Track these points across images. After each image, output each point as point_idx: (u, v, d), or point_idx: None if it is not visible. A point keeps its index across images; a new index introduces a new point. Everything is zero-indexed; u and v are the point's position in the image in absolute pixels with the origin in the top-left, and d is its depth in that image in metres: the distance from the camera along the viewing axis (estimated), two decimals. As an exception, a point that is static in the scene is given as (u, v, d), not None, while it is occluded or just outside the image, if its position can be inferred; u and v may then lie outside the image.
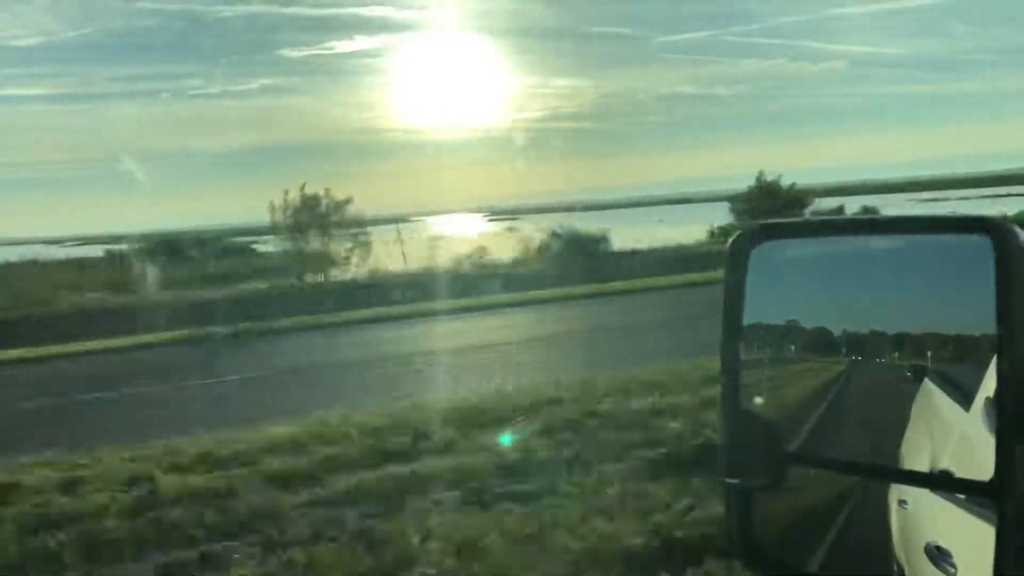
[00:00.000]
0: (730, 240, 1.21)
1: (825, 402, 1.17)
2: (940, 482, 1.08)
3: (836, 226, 1.21)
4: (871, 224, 1.16)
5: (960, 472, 1.05)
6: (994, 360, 0.93)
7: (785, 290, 1.23)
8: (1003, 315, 0.92)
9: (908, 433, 1.09)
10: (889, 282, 1.13)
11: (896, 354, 1.07)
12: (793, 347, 1.18)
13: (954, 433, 1.08)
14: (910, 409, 1.09)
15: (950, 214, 1.08)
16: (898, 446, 1.09)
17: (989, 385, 0.97)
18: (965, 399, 1.05)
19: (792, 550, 1.22)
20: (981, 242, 0.95)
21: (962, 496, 1.02)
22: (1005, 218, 0.99)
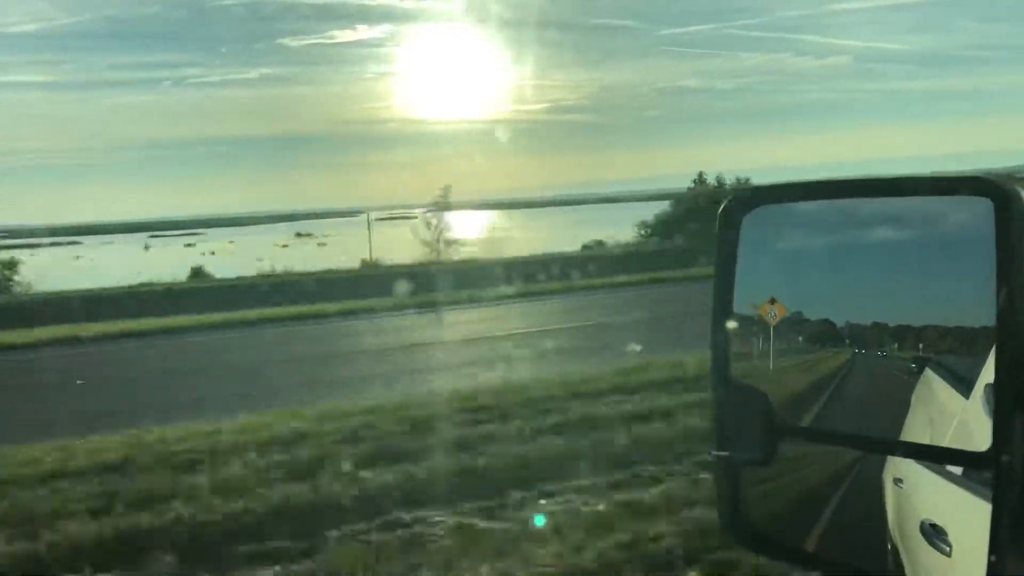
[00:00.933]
0: (721, 206, 1.18)
1: (822, 389, 1.14)
2: (937, 453, 1.05)
3: (830, 188, 1.17)
4: (865, 185, 1.12)
5: None
6: (995, 347, 0.90)
7: (777, 257, 1.20)
8: (1003, 282, 0.89)
9: (907, 421, 1.07)
10: (884, 251, 1.10)
11: (895, 344, 1.05)
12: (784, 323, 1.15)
13: (953, 420, 1.06)
14: (910, 398, 1.06)
15: (950, 174, 1.04)
16: (897, 431, 1.07)
17: (989, 372, 0.94)
18: (965, 386, 1.02)
19: (784, 528, 1.20)
20: (982, 204, 0.92)
21: (958, 473, 1.00)
22: (1011, 178, 0.95)
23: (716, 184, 34.21)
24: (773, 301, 1.15)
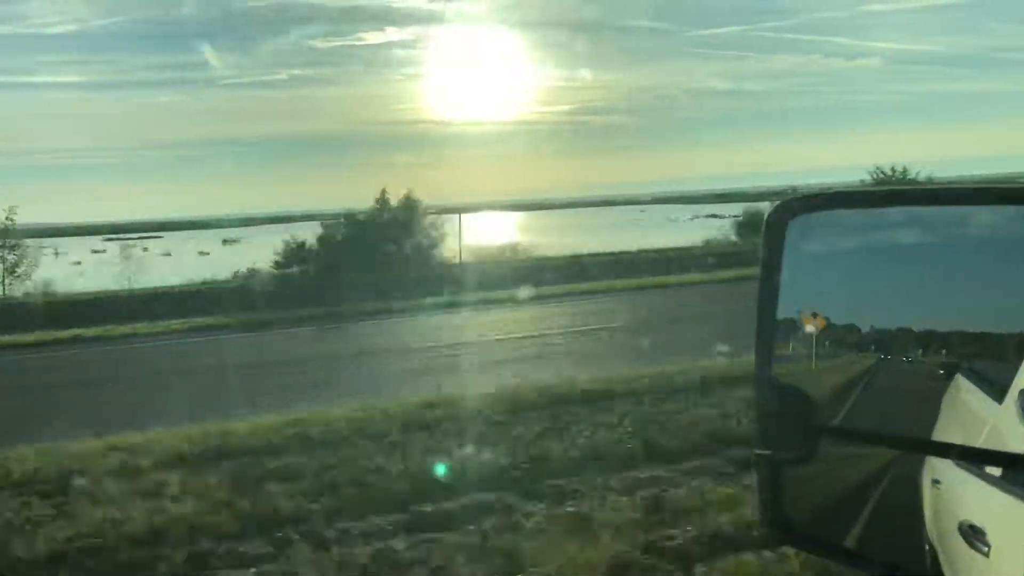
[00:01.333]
0: (767, 212, 1.20)
1: (855, 391, 1.16)
2: (977, 453, 1.07)
3: (883, 197, 1.17)
4: (922, 195, 1.12)
5: None
6: None
7: (818, 263, 1.22)
8: None
9: (938, 426, 1.09)
10: (938, 262, 1.10)
11: (928, 350, 1.06)
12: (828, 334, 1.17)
13: (986, 424, 1.07)
14: (940, 404, 1.08)
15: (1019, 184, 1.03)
16: (929, 434, 1.09)
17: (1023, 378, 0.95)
18: (998, 391, 1.03)
19: (824, 526, 1.21)
20: (1018, 210, 0.93)
21: (997, 475, 1.01)
22: None
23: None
24: (815, 315, 1.17)
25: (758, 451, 1.18)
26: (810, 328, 1.17)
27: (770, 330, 1.20)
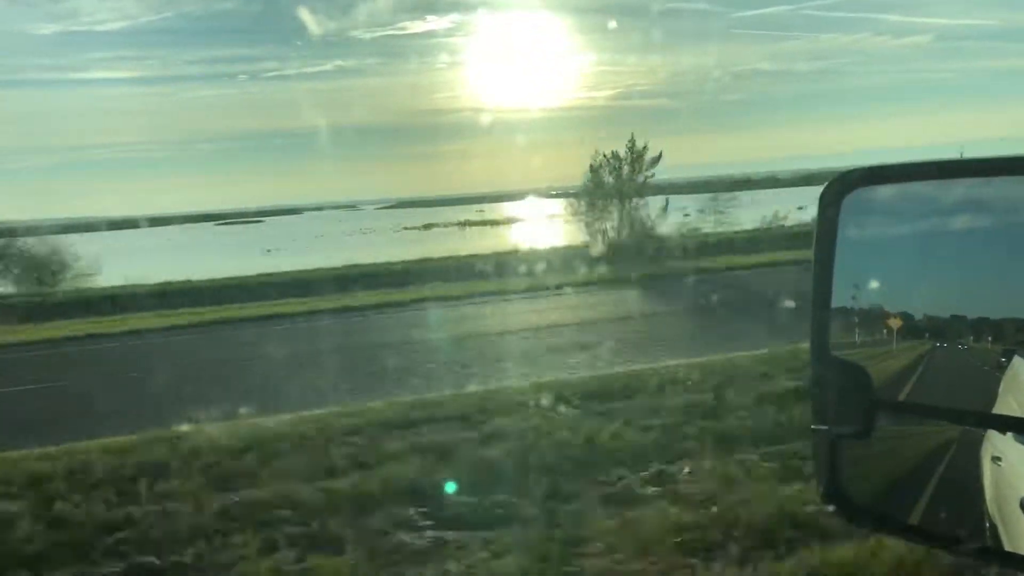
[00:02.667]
0: (824, 186, 1.20)
1: (913, 371, 1.16)
2: None
3: (947, 168, 1.14)
4: (990, 166, 1.09)
5: None
6: None
7: (870, 240, 1.21)
8: None
9: (997, 405, 1.08)
10: (994, 246, 1.09)
11: (984, 335, 1.05)
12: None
13: None
14: (998, 386, 1.07)
15: None
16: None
17: None
18: None
19: (886, 502, 1.21)
20: None
21: None
22: None
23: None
24: (895, 316, 1.16)
25: (815, 426, 1.18)
26: (893, 323, 1.16)
27: (826, 306, 1.20)
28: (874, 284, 1.19)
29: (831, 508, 1.23)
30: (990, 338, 1.05)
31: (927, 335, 1.12)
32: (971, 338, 1.07)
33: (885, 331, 1.15)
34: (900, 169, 1.19)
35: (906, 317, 1.14)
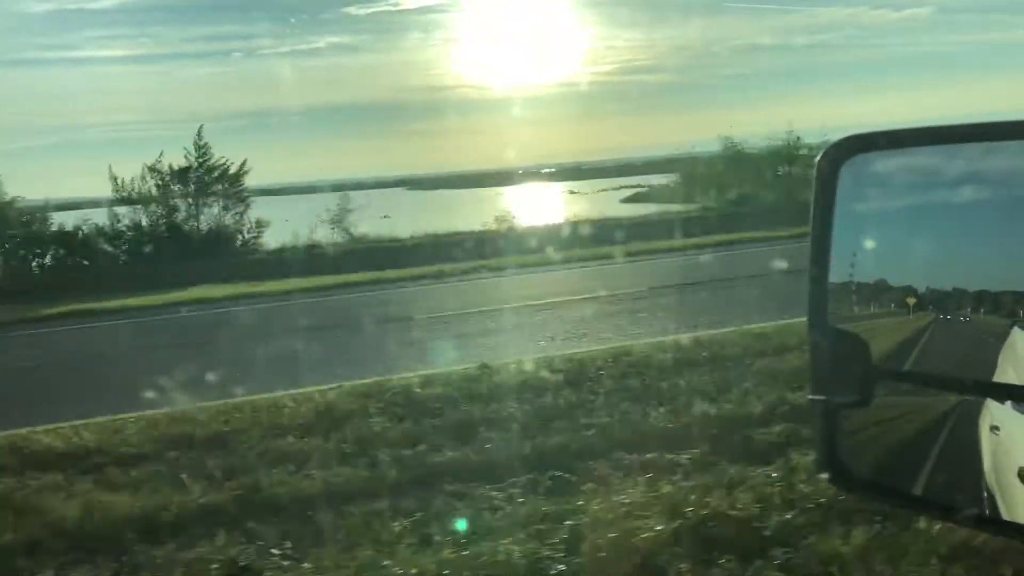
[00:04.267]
0: (820, 152, 1.19)
1: (912, 342, 1.15)
2: None
3: (951, 133, 1.13)
4: (1000, 129, 1.07)
5: None
6: None
7: (868, 209, 1.20)
8: None
9: (995, 375, 1.07)
10: (997, 218, 1.07)
11: (984, 307, 1.04)
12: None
13: None
14: (997, 357, 1.06)
15: None
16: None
17: None
18: None
19: (885, 473, 1.21)
20: None
21: None
22: None
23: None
24: (912, 297, 1.15)
25: (813, 396, 1.18)
26: (910, 301, 1.15)
27: (823, 276, 1.19)
28: (873, 254, 1.19)
29: (830, 479, 1.23)
30: (990, 310, 1.04)
31: (929, 307, 1.11)
32: (971, 310, 1.06)
33: (893, 305, 1.14)
34: (899, 135, 1.18)
35: (907, 289, 1.13)
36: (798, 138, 31.27)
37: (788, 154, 31.06)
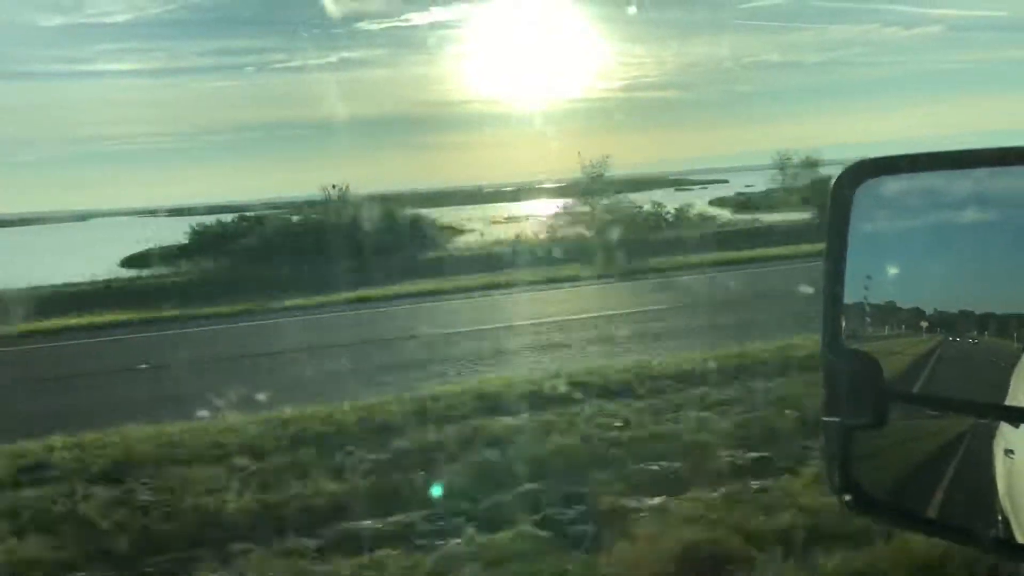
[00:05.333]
0: (835, 176, 1.19)
1: (923, 365, 1.15)
2: None
3: (959, 159, 1.13)
4: (1004, 155, 1.07)
5: None
6: None
7: (882, 231, 1.20)
8: None
9: (1009, 398, 1.07)
10: (986, 232, 1.09)
11: (992, 330, 1.05)
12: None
13: None
14: (1009, 379, 1.06)
15: None
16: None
17: None
18: None
19: (898, 495, 1.21)
20: None
21: None
22: None
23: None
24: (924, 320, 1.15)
25: (826, 418, 1.18)
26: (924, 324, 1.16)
27: (837, 298, 1.19)
28: (885, 276, 1.19)
29: (841, 501, 1.22)
30: (1002, 332, 1.04)
31: (939, 329, 1.11)
32: (984, 332, 1.06)
33: (904, 326, 1.15)
34: (913, 159, 1.18)
35: (917, 311, 1.13)
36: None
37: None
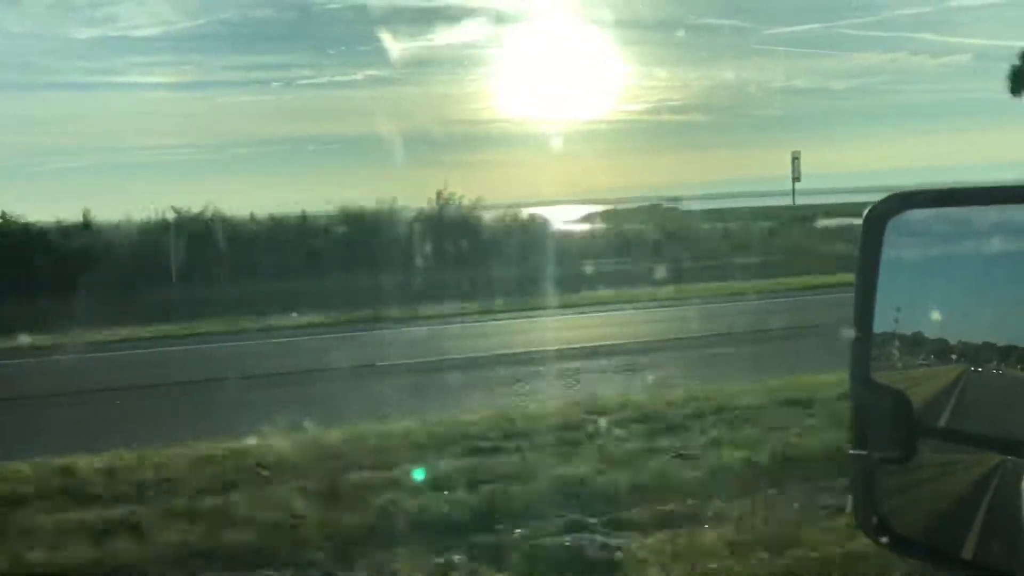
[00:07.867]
0: (867, 210, 1.19)
1: (950, 397, 1.15)
2: None
3: (992, 195, 1.14)
4: None
5: None
6: None
7: (917, 264, 1.20)
8: None
9: None
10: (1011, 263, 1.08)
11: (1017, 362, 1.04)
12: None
13: None
14: None
15: None
16: None
17: None
18: None
19: (923, 531, 1.19)
20: None
21: None
22: None
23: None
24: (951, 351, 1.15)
25: (853, 451, 1.17)
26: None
27: (867, 330, 1.18)
28: (914, 307, 1.18)
29: (868, 535, 1.21)
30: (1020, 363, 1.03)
31: (964, 359, 1.10)
32: (1008, 363, 1.06)
33: (933, 357, 1.14)
34: (944, 195, 1.18)
35: (942, 342, 1.13)
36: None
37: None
